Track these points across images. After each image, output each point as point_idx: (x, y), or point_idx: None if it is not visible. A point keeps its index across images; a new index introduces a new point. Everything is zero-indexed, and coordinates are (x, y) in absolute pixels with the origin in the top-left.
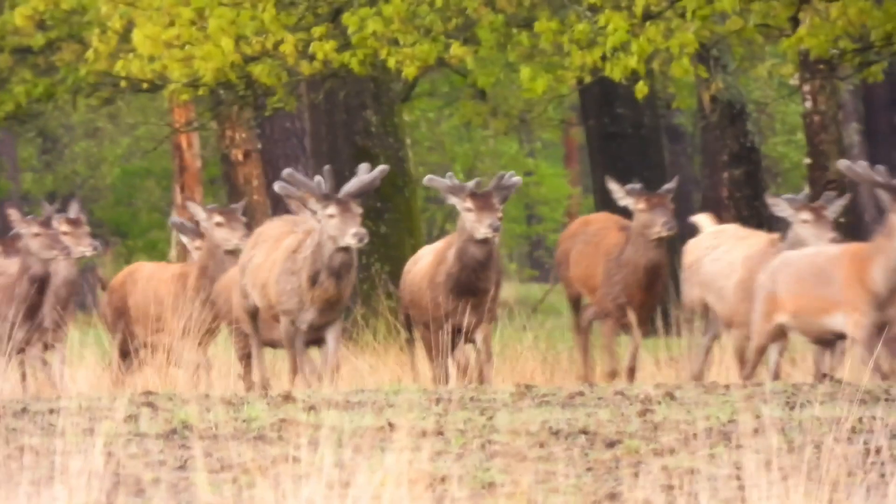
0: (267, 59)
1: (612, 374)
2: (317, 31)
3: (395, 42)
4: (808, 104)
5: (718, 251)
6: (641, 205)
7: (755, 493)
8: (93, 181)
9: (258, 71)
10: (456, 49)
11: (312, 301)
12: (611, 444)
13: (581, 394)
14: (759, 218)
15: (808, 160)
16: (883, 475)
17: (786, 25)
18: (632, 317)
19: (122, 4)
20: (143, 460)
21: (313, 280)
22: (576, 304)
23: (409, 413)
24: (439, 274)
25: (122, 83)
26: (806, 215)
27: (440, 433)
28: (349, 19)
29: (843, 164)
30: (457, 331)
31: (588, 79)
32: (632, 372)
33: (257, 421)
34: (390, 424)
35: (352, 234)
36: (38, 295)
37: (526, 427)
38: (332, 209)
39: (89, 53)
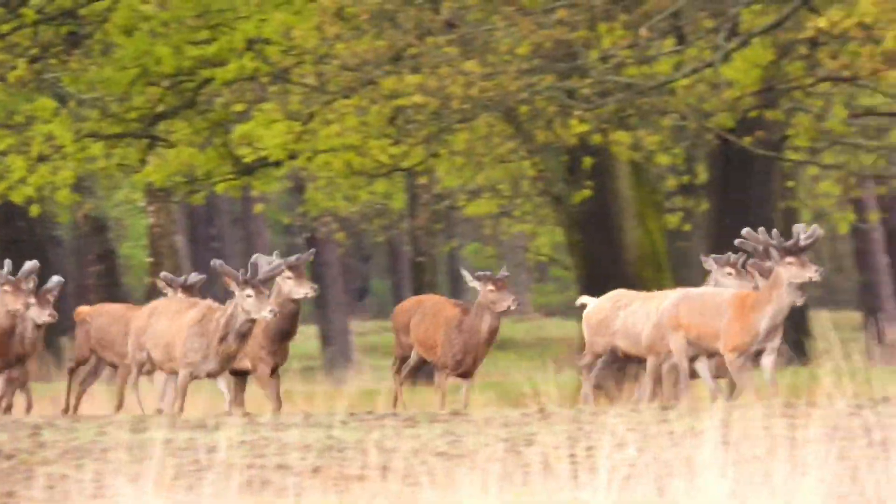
0: None
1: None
2: None
3: None
4: (152, 219)
5: (632, 307)
6: (490, 286)
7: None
8: None
9: None
10: None
11: (217, 354)
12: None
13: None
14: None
15: (151, 259)
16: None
17: (137, 164)
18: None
19: None
20: None
21: (222, 339)
22: (402, 360)
23: None
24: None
25: None
26: (729, 269)
27: None
28: None
29: (746, 231)
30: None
31: None
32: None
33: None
34: None
35: (268, 310)
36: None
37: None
38: (249, 291)
39: None
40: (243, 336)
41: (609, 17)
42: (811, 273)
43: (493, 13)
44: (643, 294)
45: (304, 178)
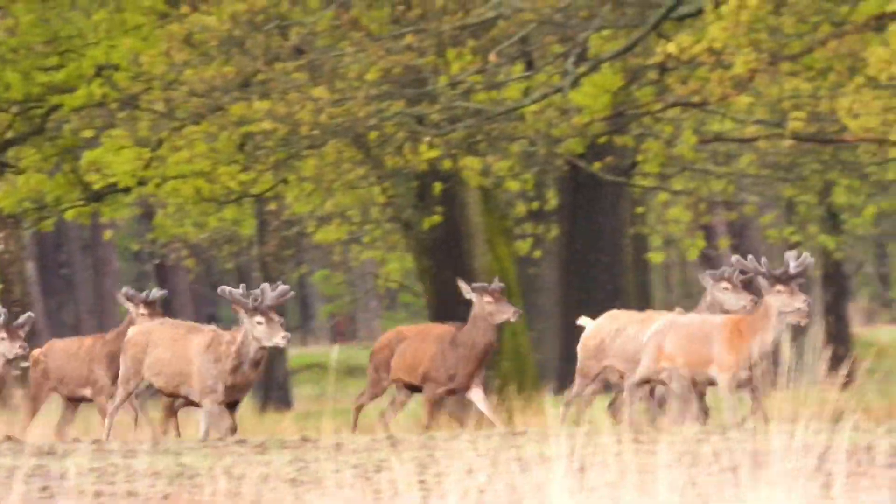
0: None
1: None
2: None
3: None
4: (1, 245)
5: (629, 330)
6: (488, 297)
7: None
8: None
9: None
10: None
11: (229, 384)
12: None
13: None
14: None
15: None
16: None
17: None
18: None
19: None
20: None
21: (235, 369)
22: (371, 399)
23: None
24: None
25: None
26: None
27: None
28: None
29: (735, 259)
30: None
31: None
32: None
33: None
34: None
35: (280, 336)
36: None
37: None
38: (259, 318)
39: None
40: (257, 364)
41: (457, 42)
42: (800, 303)
43: (341, 39)
44: (639, 315)
45: (153, 205)
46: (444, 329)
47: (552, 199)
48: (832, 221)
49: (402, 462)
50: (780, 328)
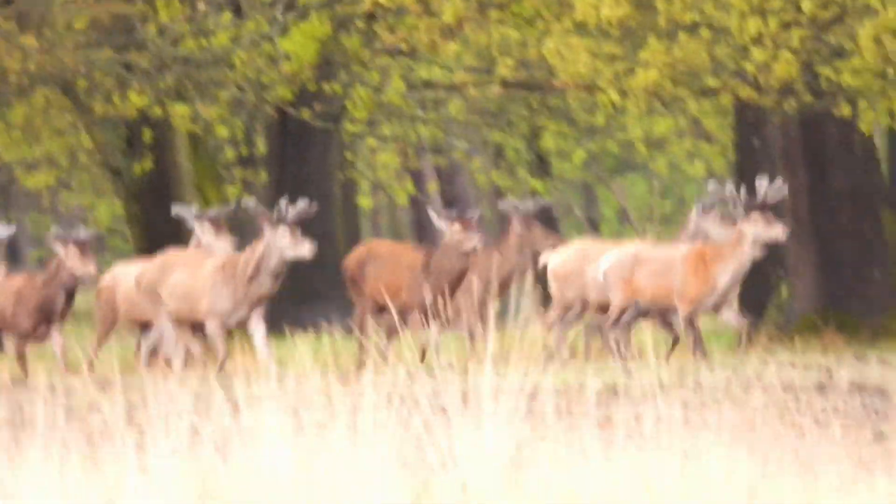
0: None
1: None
2: None
3: None
4: None
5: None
6: (457, 225)
7: None
8: None
9: None
10: None
11: (248, 297)
12: None
13: None
14: None
15: None
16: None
17: None
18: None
19: None
20: None
21: (251, 279)
22: (366, 310)
23: None
24: None
25: None
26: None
27: None
28: None
29: (711, 184)
30: None
31: None
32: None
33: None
34: None
35: (306, 247)
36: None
37: None
38: (283, 229)
39: None
40: (277, 276)
41: None
42: (776, 231)
43: None
44: (609, 244)
45: None
46: (415, 256)
47: (262, 146)
48: (541, 165)
49: (112, 404)
50: (751, 255)
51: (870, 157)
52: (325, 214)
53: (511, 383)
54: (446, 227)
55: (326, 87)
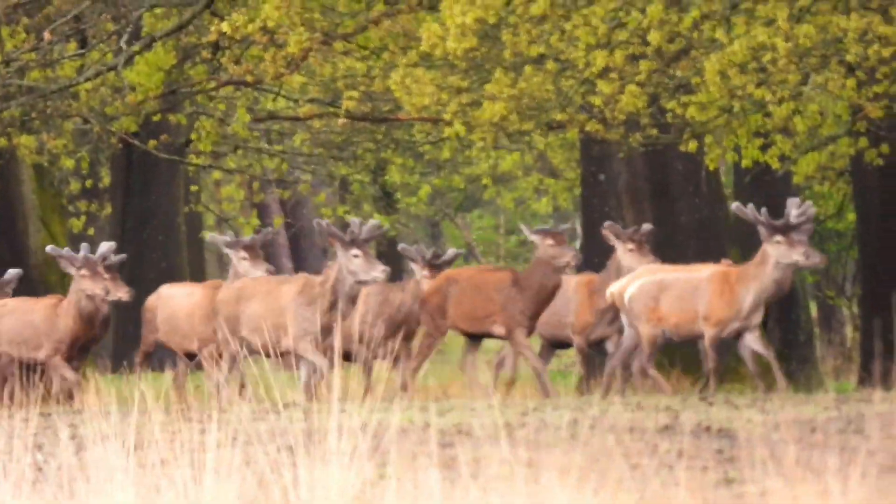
0: None
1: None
2: None
3: None
4: None
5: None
6: (550, 241)
7: None
8: None
9: None
10: None
11: (323, 324)
12: None
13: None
14: None
15: None
16: None
17: None
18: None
19: None
20: None
21: (332, 306)
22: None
23: None
24: None
25: None
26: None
27: None
28: None
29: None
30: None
31: None
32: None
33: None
34: None
35: (380, 270)
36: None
37: None
38: (356, 251)
39: None
40: (353, 300)
41: (11, 20)
42: (798, 255)
43: None
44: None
45: None
46: (503, 275)
47: (106, 177)
48: (386, 200)
49: None
50: (776, 278)
51: (715, 192)
52: (169, 247)
53: (354, 422)
54: (539, 242)
55: (171, 118)
